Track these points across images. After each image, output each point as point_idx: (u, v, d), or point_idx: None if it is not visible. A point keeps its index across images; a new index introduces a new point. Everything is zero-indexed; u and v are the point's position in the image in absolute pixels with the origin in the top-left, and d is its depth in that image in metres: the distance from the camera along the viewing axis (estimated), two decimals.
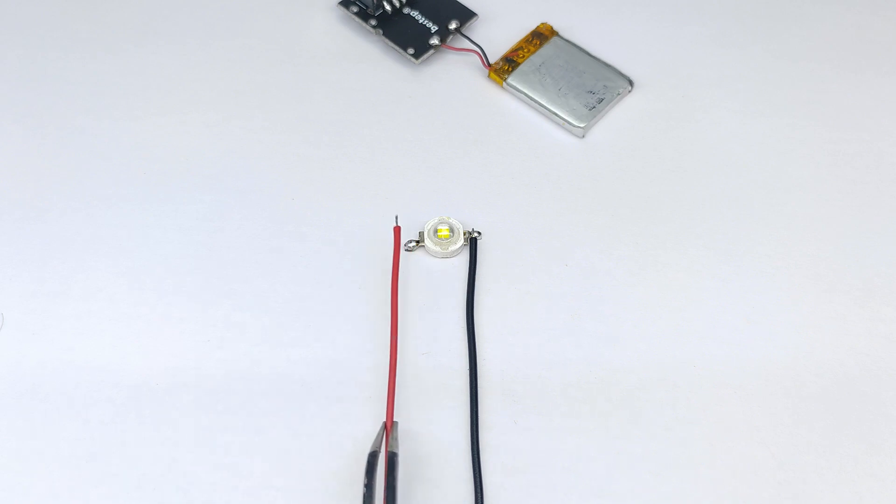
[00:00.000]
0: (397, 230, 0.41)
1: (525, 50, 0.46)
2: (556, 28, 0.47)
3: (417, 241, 0.42)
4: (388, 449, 0.35)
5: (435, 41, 0.46)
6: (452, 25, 0.46)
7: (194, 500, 0.36)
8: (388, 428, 0.36)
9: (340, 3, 0.47)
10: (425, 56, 0.46)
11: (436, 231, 0.42)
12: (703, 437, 0.38)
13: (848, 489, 0.37)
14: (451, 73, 0.46)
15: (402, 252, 0.41)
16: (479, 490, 0.36)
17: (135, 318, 0.40)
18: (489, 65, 0.46)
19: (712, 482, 0.37)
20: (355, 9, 0.47)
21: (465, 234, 0.42)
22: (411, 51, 0.46)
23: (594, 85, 0.45)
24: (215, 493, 0.36)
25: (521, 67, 0.46)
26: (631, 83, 0.46)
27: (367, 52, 0.47)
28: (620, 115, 0.45)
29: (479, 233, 0.42)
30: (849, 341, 0.40)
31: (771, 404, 0.38)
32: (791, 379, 0.39)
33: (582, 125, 0.44)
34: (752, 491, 0.36)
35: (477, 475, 0.37)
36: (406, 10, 0.47)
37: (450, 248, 0.41)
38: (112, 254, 0.41)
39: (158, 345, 0.39)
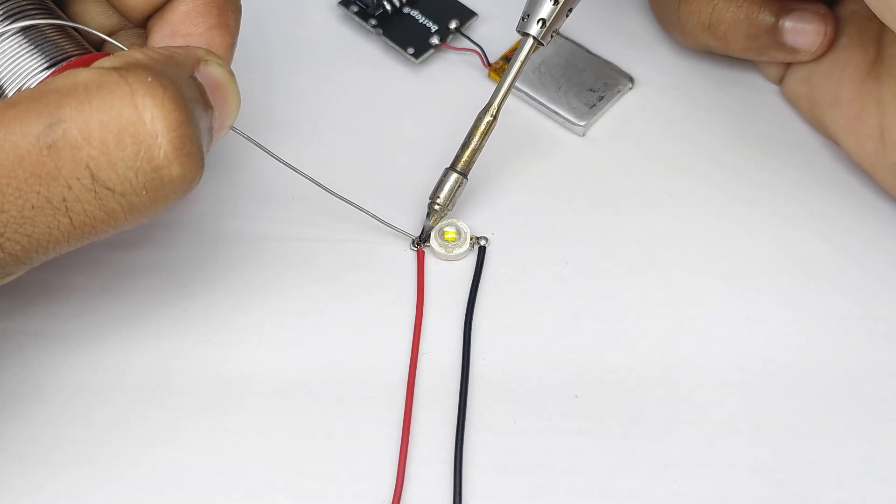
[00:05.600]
0: (421, 253, 0.41)
1: None
2: None
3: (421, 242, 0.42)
4: None
5: (435, 41, 0.46)
6: (452, 25, 0.46)
7: (195, 500, 0.36)
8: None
9: (340, 2, 0.47)
10: (425, 56, 0.46)
11: (442, 232, 0.41)
12: (703, 436, 0.38)
13: (848, 489, 0.36)
14: (451, 73, 0.46)
15: (409, 251, 0.42)
16: (457, 490, 0.36)
17: (137, 318, 0.40)
18: (489, 64, 0.46)
19: (712, 482, 0.37)
20: (355, 9, 0.47)
21: (471, 238, 0.42)
22: (411, 51, 0.46)
23: (594, 83, 0.45)
24: (216, 494, 0.36)
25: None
26: (632, 81, 0.46)
27: (367, 52, 0.47)
28: (621, 113, 0.45)
29: (487, 239, 0.42)
30: (850, 340, 0.40)
31: (772, 404, 0.38)
32: (792, 378, 0.39)
33: (582, 123, 0.44)
34: (752, 491, 0.36)
35: (457, 476, 0.36)
36: (406, 10, 0.47)
37: (454, 252, 0.41)
38: (114, 253, 0.41)
39: (160, 345, 0.39)
